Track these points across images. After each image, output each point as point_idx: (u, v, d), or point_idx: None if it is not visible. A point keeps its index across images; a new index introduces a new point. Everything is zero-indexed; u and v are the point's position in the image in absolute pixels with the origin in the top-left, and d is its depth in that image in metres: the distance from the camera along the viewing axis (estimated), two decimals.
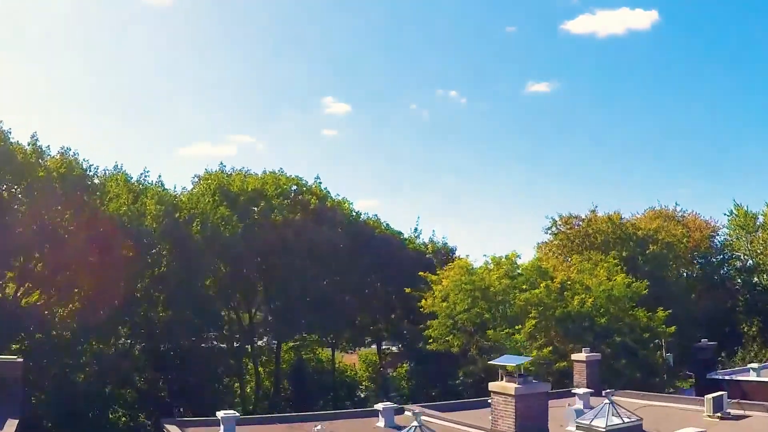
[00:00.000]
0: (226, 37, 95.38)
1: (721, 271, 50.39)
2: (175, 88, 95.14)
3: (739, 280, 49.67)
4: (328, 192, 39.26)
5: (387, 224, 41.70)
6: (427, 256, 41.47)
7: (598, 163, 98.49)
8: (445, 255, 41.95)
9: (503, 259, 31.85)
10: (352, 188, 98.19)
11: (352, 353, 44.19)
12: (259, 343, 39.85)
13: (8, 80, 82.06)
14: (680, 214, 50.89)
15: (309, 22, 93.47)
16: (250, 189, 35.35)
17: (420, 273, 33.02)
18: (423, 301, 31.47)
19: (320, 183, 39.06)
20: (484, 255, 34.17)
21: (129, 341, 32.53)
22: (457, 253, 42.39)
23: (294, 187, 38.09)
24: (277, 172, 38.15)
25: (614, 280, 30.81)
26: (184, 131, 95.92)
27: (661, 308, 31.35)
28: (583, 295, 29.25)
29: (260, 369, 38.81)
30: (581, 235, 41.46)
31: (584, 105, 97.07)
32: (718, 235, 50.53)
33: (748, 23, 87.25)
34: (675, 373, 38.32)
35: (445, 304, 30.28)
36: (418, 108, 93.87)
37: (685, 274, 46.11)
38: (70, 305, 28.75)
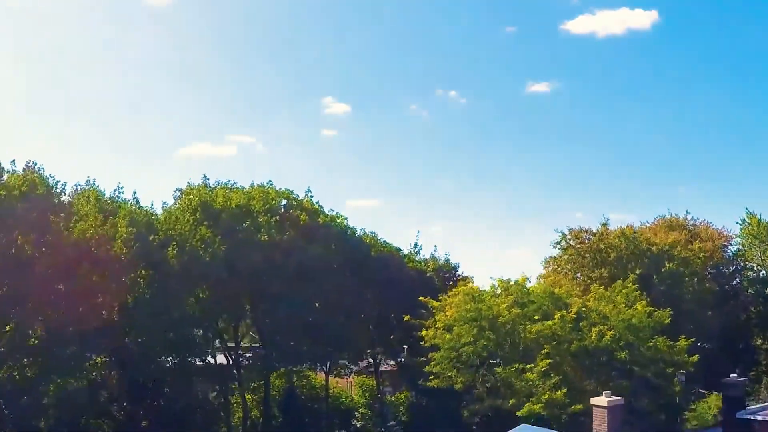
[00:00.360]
0: (225, 36, 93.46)
1: (733, 282, 48.32)
2: (175, 88, 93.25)
3: (751, 291, 47.61)
4: (321, 206, 36.62)
5: (384, 241, 39.02)
6: (428, 274, 38.74)
7: (598, 162, 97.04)
8: (447, 273, 39.26)
9: (512, 284, 29.14)
10: (352, 189, 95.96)
11: (347, 378, 41.56)
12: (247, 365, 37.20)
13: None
14: (691, 223, 48.67)
15: (309, 23, 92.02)
16: (233, 205, 32.60)
17: (421, 298, 30.36)
18: (423, 331, 28.75)
19: (311, 196, 36.44)
20: (491, 277, 31.49)
21: (107, 369, 30.16)
22: (460, 270, 39.92)
23: (284, 202, 35.39)
24: (266, 184, 35.53)
25: (634, 308, 28.12)
26: (184, 131, 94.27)
27: (684, 336, 28.74)
28: (601, 326, 26.54)
29: (248, 397, 36.17)
30: (593, 250, 38.82)
31: (584, 105, 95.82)
32: (730, 244, 48.41)
33: (748, 23, 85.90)
34: (688, 391, 36.20)
35: (448, 336, 27.52)
36: (418, 108, 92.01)
37: (698, 288, 43.77)
38: (34, 339, 26.02)
